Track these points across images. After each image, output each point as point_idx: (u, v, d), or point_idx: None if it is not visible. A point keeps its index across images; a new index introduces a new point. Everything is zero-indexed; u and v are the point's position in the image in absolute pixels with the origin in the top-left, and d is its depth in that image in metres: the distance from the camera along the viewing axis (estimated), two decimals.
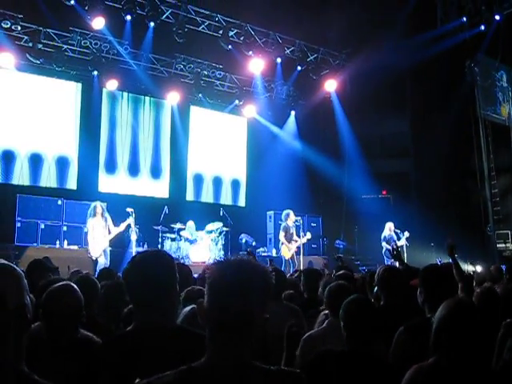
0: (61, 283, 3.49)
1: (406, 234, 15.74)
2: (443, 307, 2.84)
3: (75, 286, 3.45)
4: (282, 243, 14.67)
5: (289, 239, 14.65)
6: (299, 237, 14.86)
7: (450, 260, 5.92)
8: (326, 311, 4.72)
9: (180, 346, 1.95)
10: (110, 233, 12.48)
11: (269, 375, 1.92)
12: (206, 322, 1.91)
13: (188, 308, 3.34)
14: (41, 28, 14.97)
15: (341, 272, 6.65)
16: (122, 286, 2.94)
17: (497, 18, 19.26)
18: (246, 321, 1.86)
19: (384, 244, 15.78)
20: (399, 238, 15.81)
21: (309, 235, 15.11)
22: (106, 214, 12.58)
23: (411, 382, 2.77)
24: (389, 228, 15.90)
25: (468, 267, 12.11)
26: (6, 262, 1.95)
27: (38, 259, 6.91)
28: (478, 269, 10.55)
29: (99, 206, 12.52)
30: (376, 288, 5.50)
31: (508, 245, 19.80)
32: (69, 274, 7.24)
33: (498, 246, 19.74)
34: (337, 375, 3.30)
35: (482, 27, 19.55)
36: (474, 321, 2.78)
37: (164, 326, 2.59)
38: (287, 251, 14.57)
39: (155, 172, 18.23)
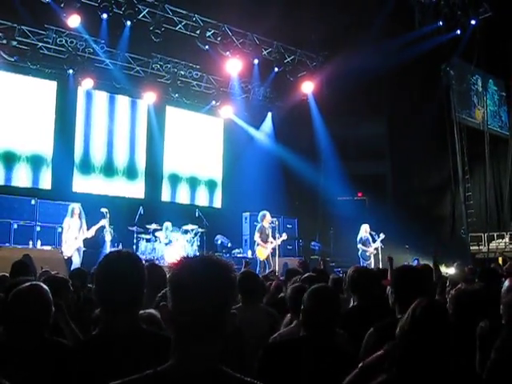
0: (29, 283, 3.34)
1: (382, 235, 15.82)
2: (410, 308, 2.79)
3: (45, 287, 3.30)
4: (258, 244, 14.65)
5: (264, 240, 14.63)
6: (275, 238, 14.84)
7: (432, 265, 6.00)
8: None
9: (148, 350, 1.91)
10: (82, 235, 12.44)
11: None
12: (171, 325, 1.86)
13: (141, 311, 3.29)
14: (15, 25, 14.77)
15: (306, 275, 6.61)
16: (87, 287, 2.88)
17: (472, 22, 19.49)
18: (212, 321, 1.81)
19: (360, 246, 15.86)
20: (374, 240, 15.90)
21: (284, 236, 15.11)
22: (83, 217, 12.55)
23: None
24: (364, 230, 15.97)
25: (442, 269, 12.18)
26: None
27: (21, 261, 6.84)
28: (451, 271, 10.61)
29: (77, 207, 12.58)
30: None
31: (481, 247, 20.01)
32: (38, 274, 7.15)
33: (471, 248, 19.93)
34: (291, 361, 3.29)
35: (458, 31, 19.75)
36: (439, 322, 2.74)
37: (131, 329, 2.55)
38: (262, 252, 14.55)
39: (130, 173, 18.11)
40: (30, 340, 3.13)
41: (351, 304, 5.87)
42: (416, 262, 15.62)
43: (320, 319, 3.41)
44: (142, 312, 3.03)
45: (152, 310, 3.15)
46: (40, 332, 3.20)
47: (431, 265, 7.36)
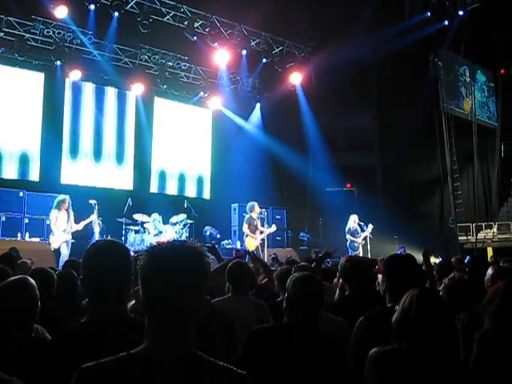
0: (15, 277, 3.32)
1: (370, 226, 15.88)
2: (408, 297, 2.88)
3: (31, 281, 3.26)
4: (247, 235, 14.65)
5: (253, 231, 14.63)
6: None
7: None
8: None
9: (134, 338, 1.92)
10: (71, 228, 12.40)
11: (213, 369, 1.88)
12: (144, 309, 1.88)
13: (132, 302, 3.29)
14: (2, 16, 14.64)
15: (301, 264, 6.63)
16: (74, 277, 2.87)
17: (460, 13, 19.52)
18: (182, 307, 1.82)
19: (348, 236, 15.90)
20: (363, 230, 15.95)
21: (274, 227, 15.13)
22: (71, 210, 12.51)
23: (373, 364, 2.80)
24: (353, 220, 16.01)
25: (430, 259, 12.25)
26: None
27: (8, 253, 6.82)
28: (438, 261, 10.69)
29: (67, 200, 12.45)
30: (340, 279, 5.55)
31: (469, 237, 20.14)
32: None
33: (459, 238, 20.06)
34: (274, 347, 3.31)
35: (446, 22, 19.78)
36: (441, 311, 2.84)
37: (118, 317, 2.56)
38: (252, 243, 14.54)
39: (119, 164, 18.06)
40: (15, 336, 3.08)
41: (337, 293, 5.93)
42: (401, 250, 15.68)
43: (303, 306, 3.43)
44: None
45: None
46: (26, 327, 3.17)
47: (419, 256, 7.40)
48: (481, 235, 20.09)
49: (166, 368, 1.81)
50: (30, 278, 3.33)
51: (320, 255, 7.89)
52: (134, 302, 3.26)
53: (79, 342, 2.47)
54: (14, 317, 3.10)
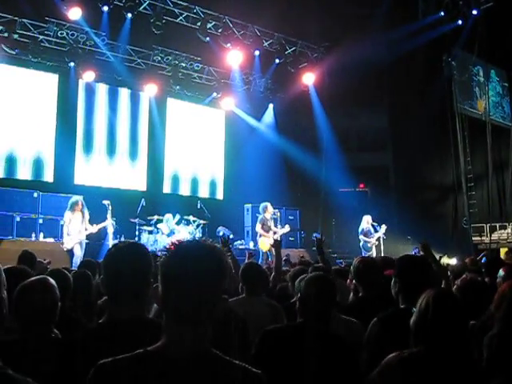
0: (35, 277, 3.34)
1: (384, 227, 15.83)
2: (425, 299, 2.85)
3: (51, 281, 3.30)
4: (260, 235, 14.64)
5: (266, 231, 14.61)
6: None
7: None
8: None
9: (152, 339, 1.93)
10: (85, 229, 12.44)
11: (228, 367, 1.89)
12: (162, 306, 1.90)
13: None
14: (16, 18, 14.73)
15: (318, 265, 6.61)
16: (90, 277, 2.88)
17: (474, 12, 19.42)
18: (200, 305, 1.84)
19: (361, 237, 15.86)
20: (376, 231, 15.90)
21: (287, 228, 15.12)
22: (85, 211, 12.54)
23: (389, 369, 2.78)
24: (366, 221, 15.97)
25: (444, 260, 12.18)
26: None
27: (27, 252, 6.84)
28: (453, 261, 10.63)
29: (80, 202, 12.49)
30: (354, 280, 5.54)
31: (483, 238, 20.01)
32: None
33: (473, 239, 19.93)
34: (286, 347, 3.31)
35: (460, 22, 19.68)
36: (458, 312, 2.81)
37: (136, 318, 2.59)
38: (265, 243, 14.52)
39: (132, 165, 18.13)
40: (37, 334, 3.12)
41: (351, 295, 5.90)
42: (415, 251, 15.60)
43: (316, 306, 3.43)
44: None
45: None
46: (47, 327, 3.19)
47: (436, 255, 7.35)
48: (495, 236, 19.96)
49: (182, 365, 1.82)
50: (50, 278, 3.36)
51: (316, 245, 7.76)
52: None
53: (98, 343, 2.50)
54: (35, 316, 3.12)
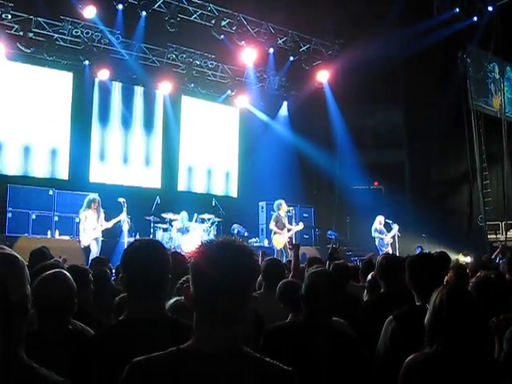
0: (53, 270, 3.38)
1: (396, 227, 15.79)
2: (438, 296, 2.83)
3: (68, 274, 3.35)
4: (274, 233, 14.64)
5: (280, 228, 14.62)
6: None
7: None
8: None
9: (173, 337, 1.95)
10: (101, 226, 12.53)
11: (260, 365, 1.90)
12: (194, 306, 1.90)
13: (172, 301, 3.32)
14: (31, 17, 14.81)
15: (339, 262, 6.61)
16: (107, 274, 2.90)
17: (490, 9, 19.30)
18: (236, 305, 1.84)
19: (377, 235, 15.82)
20: (389, 231, 15.86)
21: (301, 225, 15.12)
22: (101, 209, 12.65)
23: (409, 371, 2.76)
24: (379, 222, 15.93)
25: (460, 258, 12.14)
26: (8, 250, 1.91)
27: (40, 249, 6.89)
28: (468, 259, 10.59)
29: (97, 200, 12.59)
30: (370, 276, 5.55)
31: (499, 236, 19.89)
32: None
33: (488, 236, 19.82)
34: (290, 345, 3.29)
35: (475, 18, 19.56)
36: (473, 309, 2.79)
37: (156, 316, 2.60)
38: (279, 241, 14.53)
39: (147, 162, 18.22)
40: (55, 327, 3.16)
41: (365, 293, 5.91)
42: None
43: (316, 302, 3.42)
44: (173, 300, 3.07)
45: (181, 298, 3.17)
46: (65, 319, 3.24)
47: (453, 255, 7.34)
48: (510, 234, 19.83)
49: (217, 363, 1.82)
50: (66, 272, 3.42)
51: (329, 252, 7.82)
52: (173, 300, 3.30)
53: (117, 339, 2.53)
54: (51, 307, 3.15)
